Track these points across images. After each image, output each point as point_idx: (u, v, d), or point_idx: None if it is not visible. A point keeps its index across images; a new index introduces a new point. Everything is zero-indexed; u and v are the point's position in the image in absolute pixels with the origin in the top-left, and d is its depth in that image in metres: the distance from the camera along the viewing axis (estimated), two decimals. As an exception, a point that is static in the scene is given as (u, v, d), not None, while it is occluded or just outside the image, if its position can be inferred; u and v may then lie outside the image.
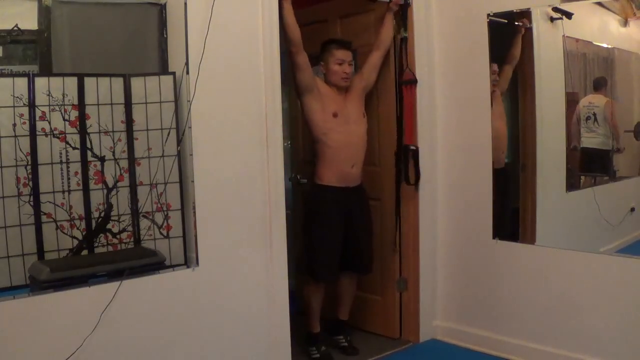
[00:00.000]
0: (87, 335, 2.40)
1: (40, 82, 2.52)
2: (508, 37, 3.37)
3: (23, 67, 2.56)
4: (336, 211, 3.33)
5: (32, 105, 2.49)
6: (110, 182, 2.69)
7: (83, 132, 2.62)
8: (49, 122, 2.53)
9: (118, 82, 2.70)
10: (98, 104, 2.65)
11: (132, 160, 2.73)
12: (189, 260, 2.78)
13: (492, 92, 3.42)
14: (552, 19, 3.20)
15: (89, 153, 2.64)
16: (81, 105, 2.61)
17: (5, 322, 2.26)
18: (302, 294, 3.56)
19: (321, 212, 3.35)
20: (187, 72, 2.67)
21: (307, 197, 3.49)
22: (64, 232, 2.58)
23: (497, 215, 3.42)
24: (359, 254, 3.46)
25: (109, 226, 2.69)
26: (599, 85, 3.26)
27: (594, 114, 3.24)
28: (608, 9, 3.07)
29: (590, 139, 3.32)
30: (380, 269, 3.71)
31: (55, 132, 2.55)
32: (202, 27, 2.68)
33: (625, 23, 3.04)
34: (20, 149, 2.47)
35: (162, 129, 2.75)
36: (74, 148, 2.60)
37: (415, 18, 3.52)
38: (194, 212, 2.74)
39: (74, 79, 2.60)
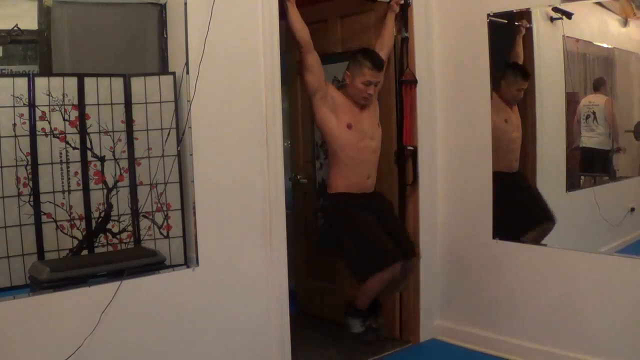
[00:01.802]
0: (87, 335, 2.40)
1: (40, 82, 2.52)
2: (508, 37, 3.37)
3: (23, 67, 2.57)
4: (361, 208, 3.17)
5: (32, 105, 2.49)
6: (110, 182, 2.69)
7: (83, 132, 2.62)
8: (49, 122, 2.53)
9: (118, 82, 2.70)
10: (98, 104, 2.65)
11: (132, 160, 2.73)
12: (189, 260, 2.78)
13: (512, 106, 3.44)
14: (552, 19, 3.20)
15: (89, 153, 2.64)
16: (81, 105, 2.61)
17: (5, 322, 2.26)
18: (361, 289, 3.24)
19: (348, 213, 3.17)
20: (187, 72, 2.67)
21: (326, 209, 3.32)
22: (64, 232, 2.58)
23: (504, 218, 3.41)
24: (400, 239, 3.25)
25: (109, 226, 2.69)
26: (598, 86, 3.26)
27: (594, 112, 3.24)
28: (608, 9, 3.07)
29: (590, 139, 3.32)
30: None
31: (55, 132, 2.55)
32: (202, 27, 2.68)
33: (625, 23, 3.04)
34: (20, 149, 2.47)
35: (162, 129, 2.75)
36: (74, 148, 2.60)
37: (415, 18, 3.52)
38: (194, 212, 2.74)
39: (74, 79, 2.60)
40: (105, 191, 2.69)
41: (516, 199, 3.46)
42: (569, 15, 3.13)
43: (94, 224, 2.66)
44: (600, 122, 3.24)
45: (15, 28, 2.50)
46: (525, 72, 3.34)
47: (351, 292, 3.74)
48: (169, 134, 2.74)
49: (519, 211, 3.47)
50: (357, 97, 3.15)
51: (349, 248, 3.16)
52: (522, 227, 3.44)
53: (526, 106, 3.39)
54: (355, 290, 3.34)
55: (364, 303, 3.24)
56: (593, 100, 3.26)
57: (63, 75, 2.58)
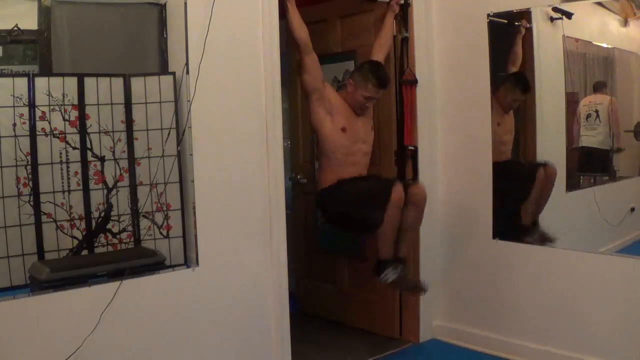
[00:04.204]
0: (87, 335, 2.40)
1: (40, 82, 2.52)
2: (508, 37, 3.37)
3: (23, 67, 2.57)
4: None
5: (32, 105, 2.49)
6: (110, 182, 2.69)
7: (83, 132, 2.62)
8: (49, 122, 2.53)
9: (118, 82, 2.70)
10: (98, 104, 2.65)
11: (132, 160, 2.73)
12: (189, 260, 2.78)
13: (507, 111, 3.46)
14: (552, 19, 3.20)
15: (89, 153, 2.64)
16: (81, 105, 2.61)
17: (5, 322, 2.26)
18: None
19: (338, 191, 3.11)
20: (187, 72, 2.67)
21: (321, 202, 3.27)
22: (64, 232, 2.58)
23: (498, 212, 3.42)
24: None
25: (109, 226, 2.70)
26: (599, 87, 3.26)
27: (596, 111, 3.24)
28: (608, 9, 3.07)
29: (591, 138, 3.32)
30: (380, 269, 3.71)
31: (55, 132, 2.55)
32: (202, 27, 2.68)
33: (625, 23, 3.04)
34: (20, 149, 2.47)
35: (162, 129, 2.75)
36: (74, 148, 2.60)
37: (415, 18, 3.52)
38: (194, 212, 2.74)
39: (74, 79, 2.60)
40: (105, 191, 2.69)
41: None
42: (569, 15, 3.13)
43: (94, 224, 2.66)
44: (602, 121, 3.24)
45: (15, 28, 2.50)
46: (526, 86, 3.33)
47: (353, 291, 3.76)
48: (169, 134, 2.74)
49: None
50: (353, 106, 3.17)
51: (354, 211, 3.09)
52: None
53: (526, 106, 3.40)
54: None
55: (387, 252, 3.11)
56: (594, 100, 3.26)
57: (63, 75, 2.58)
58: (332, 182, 3.19)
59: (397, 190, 2.94)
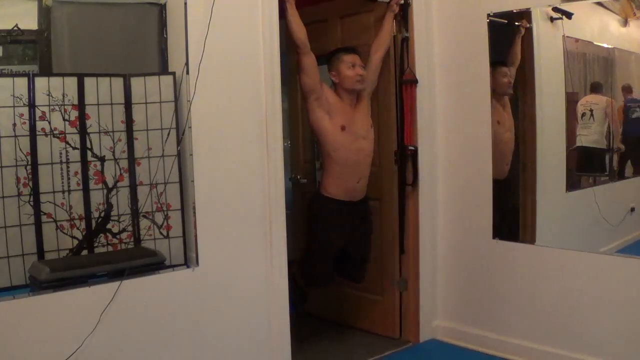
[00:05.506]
0: (87, 335, 2.40)
1: (40, 82, 2.52)
2: (508, 37, 3.37)
3: (23, 67, 2.57)
4: (339, 223, 3.29)
5: (32, 105, 2.49)
6: (110, 182, 2.69)
7: (83, 132, 2.62)
8: (49, 122, 2.53)
9: (118, 82, 2.70)
10: (98, 104, 2.65)
11: (132, 160, 2.73)
12: (189, 260, 2.78)
13: (502, 100, 3.44)
14: (552, 19, 3.20)
15: (89, 153, 2.64)
16: (81, 105, 2.61)
17: (5, 322, 2.26)
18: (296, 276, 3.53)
19: (324, 222, 3.32)
20: (187, 72, 2.67)
21: (311, 206, 3.43)
22: (64, 232, 2.58)
23: (497, 221, 3.43)
24: (356, 265, 3.48)
25: (109, 226, 2.70)
26: (596, 88, 3.26)
27: (591, 110, 3.24)
28: (608, 9, 3.07)
29: (586, 137, 3.31)
30: (380, 269, 3.71)
31: (55, 132, 2.55)
32: (202, 27, 2.68)
33: (625, 23, 3.04)
34: (20, 149, 2.47)
35: (162, 129, 2.75)
36: (74, 148, 2.60)
37: (415, 18, 3.52)
38: (194, 212, 2.74)
39: (74, 79, 2.60)
40: (105, 191, 2.69)
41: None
42: (569, 15, 3.13)
43: (94, 224, 2.66)
44: (596, 120, 3.24)
45: (15, 28, 2.50)
46: (501, 59, 3.37)
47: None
48: (169, 134, 2.74)
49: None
50: (352, 84, 3.23)
51: (308, 249, 3.43)
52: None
53: (525, 106, 3.39)
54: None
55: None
56: (591, 100, 3.26)
57: (63, 75, 2.58)
58: (331, 193, 3.28)
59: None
